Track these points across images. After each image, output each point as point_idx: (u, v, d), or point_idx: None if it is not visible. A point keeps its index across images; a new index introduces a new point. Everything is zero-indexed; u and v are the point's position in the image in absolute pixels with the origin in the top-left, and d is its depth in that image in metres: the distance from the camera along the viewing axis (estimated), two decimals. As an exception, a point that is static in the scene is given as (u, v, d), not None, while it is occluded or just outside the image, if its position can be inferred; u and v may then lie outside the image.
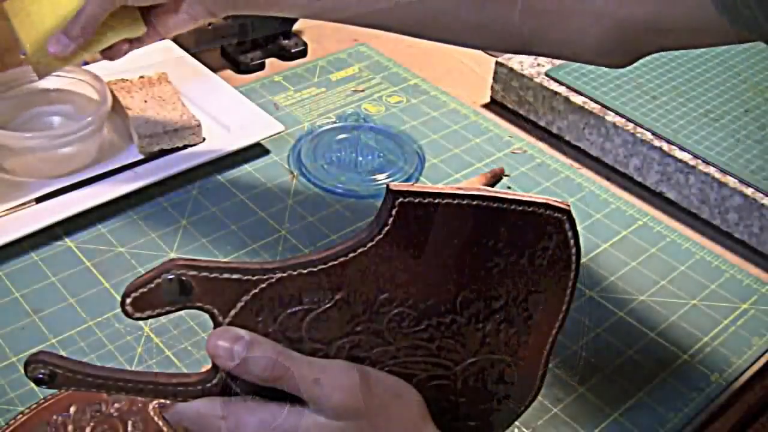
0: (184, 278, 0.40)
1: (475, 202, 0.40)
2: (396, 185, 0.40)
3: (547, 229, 0.42)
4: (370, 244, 0.40)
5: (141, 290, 0.39)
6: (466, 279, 0.42)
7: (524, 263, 0.43)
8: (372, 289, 0.41)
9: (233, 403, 0.42)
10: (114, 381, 0.42)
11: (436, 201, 0.40)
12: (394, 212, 0.40)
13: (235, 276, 0.40)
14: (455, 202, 0.40)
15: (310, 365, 0.41)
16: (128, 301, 0.40)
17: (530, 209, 0.41)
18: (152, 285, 0.39)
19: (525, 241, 0.42)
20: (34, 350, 0.57)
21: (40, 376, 0.40)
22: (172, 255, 0.66)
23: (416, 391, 0.45)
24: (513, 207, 0.41)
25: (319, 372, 0.41)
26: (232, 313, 0.41)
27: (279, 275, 0.41)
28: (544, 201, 0.41)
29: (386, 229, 0.40)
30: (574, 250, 0.43)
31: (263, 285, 0.41)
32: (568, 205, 0.42)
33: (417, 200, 0.40)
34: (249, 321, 0.41)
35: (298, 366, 0.41)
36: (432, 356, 0.44)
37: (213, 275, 0.40)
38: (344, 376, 0.41)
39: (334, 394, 0.41)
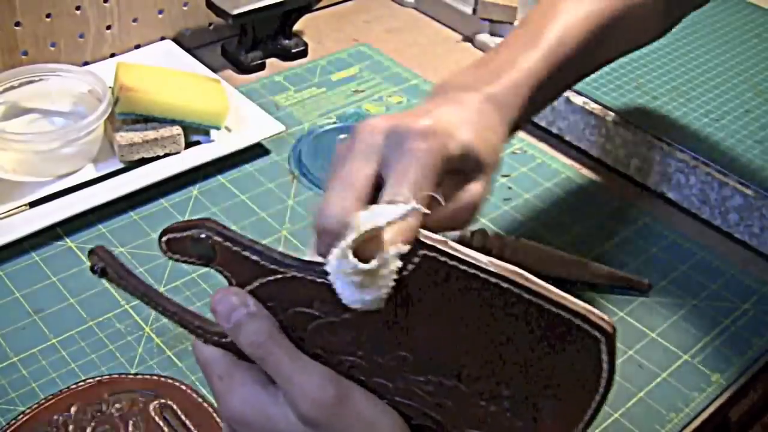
0: (210, 241, 0.40)
1: (504, 285, 0.36)
2: (426, 236, 0.37)
3: (579, 343, 0.36)
4: None
5: (175, 235, 0.41)
6: (475, 355, 0.39)
7: (545, 367, 0.38)
8: (378, 322, 0.39)
9: (236, 367, 0.42)
10: (148, 298, 0.44)
11: (463, 268, 0.36)
12: (415, 260, 0.37)
13: (254, 257, 0.40)
14: (483, 276, 0.36)
15: (292, 361, 0.40)
16: (164, 239, 0.41)
17: (566, 316, 0.36)
18: (184, 235, 0.41)
19: (551, 346, 0.37)
20: (34, 350, 0.58)
21: (96, 268, 0.43)
22: (173, 255, 0.66)
23: (400, 430, 0.41)
24: (546, 305, 0.36)
25: (297, 372, 0.40)
26: (247, 288, 0.41)
27: (293, 273, 0.40)
28: (583, 312, 0.36)
29: (404, 273, 0.37)
30: (605, 376, 0.37)
31: (279, 276, 0.40)
32: (612, 326, 0.36)
33: (443, 259, 0.37)
34: (260, 301, 0.41)
35: (280, 356, 0.40)
36: (430, 409, 0.41)
37: (235, 248, 0.40)
38: (317, 387, 0.39)
39: (300, 401, 0.39)
